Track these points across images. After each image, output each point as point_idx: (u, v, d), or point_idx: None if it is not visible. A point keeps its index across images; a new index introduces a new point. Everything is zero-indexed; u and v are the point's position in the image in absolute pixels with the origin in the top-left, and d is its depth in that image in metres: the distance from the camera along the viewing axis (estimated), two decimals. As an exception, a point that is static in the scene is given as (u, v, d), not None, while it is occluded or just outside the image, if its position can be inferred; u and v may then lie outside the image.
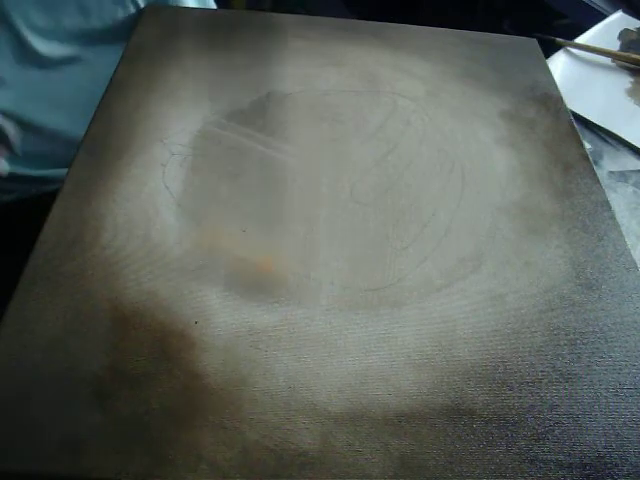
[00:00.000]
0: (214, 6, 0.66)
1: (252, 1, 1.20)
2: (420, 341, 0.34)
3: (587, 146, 0.53)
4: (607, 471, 0.29)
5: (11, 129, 0.53)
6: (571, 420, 0.31)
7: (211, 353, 0.32)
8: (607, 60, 0.68)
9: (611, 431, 0.31)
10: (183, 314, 0.34)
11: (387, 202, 0.42)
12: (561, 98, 0.53)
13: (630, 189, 0.52)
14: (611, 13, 0.76)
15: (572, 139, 0.49)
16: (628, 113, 0.61)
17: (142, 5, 0.56)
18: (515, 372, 0.33)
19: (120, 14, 0.55)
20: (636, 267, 0.39)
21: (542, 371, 0.33)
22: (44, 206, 0.38)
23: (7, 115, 0.52)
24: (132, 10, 0.56)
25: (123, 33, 0.55)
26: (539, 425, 0.31)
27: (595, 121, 0.59)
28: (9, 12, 0.49)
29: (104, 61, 0.54)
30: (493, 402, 0.32)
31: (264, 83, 0.51)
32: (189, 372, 0.31)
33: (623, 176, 0.53)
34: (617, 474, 0.29)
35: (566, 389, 0.32)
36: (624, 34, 0.72)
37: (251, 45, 0.55)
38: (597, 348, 0.34)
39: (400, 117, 0.49)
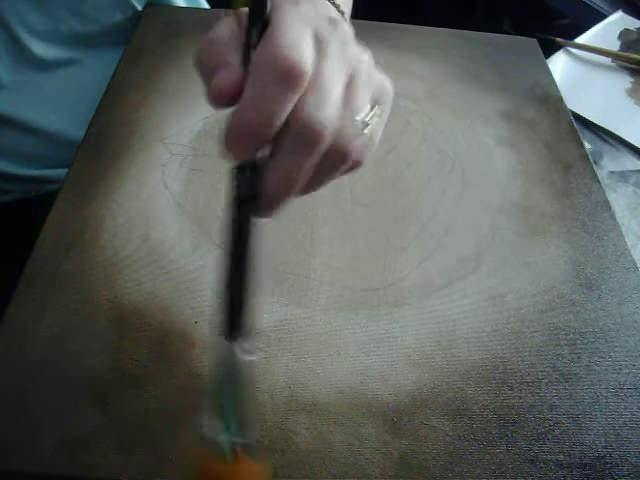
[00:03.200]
0: (206, 6, 0.66)
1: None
2: (420, 341, 0.34)
3: (587, 146, 0.53)
4: (607, 471, 0.29)
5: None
6: (571, 420, 0.31)
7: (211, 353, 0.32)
8: (607, 60, 0.68)
9: (611, 431, 0.31)
10: (183, 314, 0.34)
11: (387, 202, 0.42)
12: (561, 98, 0.53)
13: (630, 189, 0.52)
14: (611, 13, 0.76)
15: (572, 139, 0.49)
16: (628, 113, 0.61)
17: (139, 8, 0.56)
18: (515, 372, 0.33)
19: (117, 17, 0.55)
20: (636, 267, 0.39)
21: (542, 371, 0.33)
22: (44, 206, 0.38)
23: (5, 118, 0.52)
24: (129, 13, 0.56)
25: (120, 36, 0.55)
26: (539, 425, 0.31)
27: (595, 121, 0.59)
28: (5, 15, 0.49)
29: (102, 63, 0.54)
30: (493, 402, 0.32)
31: (264, 83, 0.51)
32: (189, 372, 0.31)
33: (623, 176, 0.53)
34: (617, 474, 0.29)
35: (566, 389, 0.32)
36: (624, 34, 0.72)
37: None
38: (597, 348, 0.34)
39: (400, 117, 0.49)
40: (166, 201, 0.40)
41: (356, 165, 0.24)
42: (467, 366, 0.33)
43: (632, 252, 0.40)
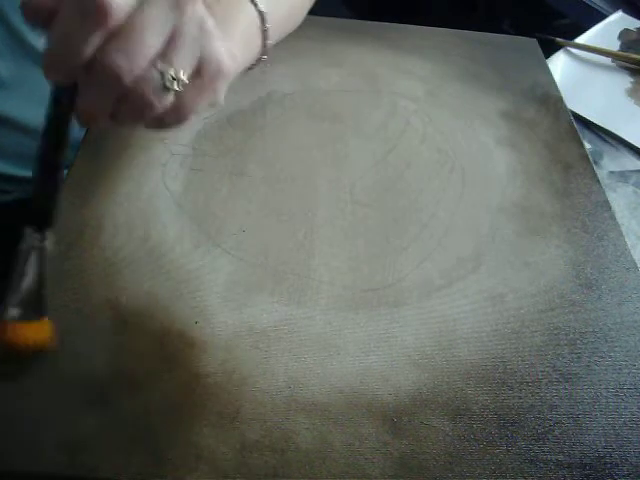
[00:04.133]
0: None
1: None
2: (420, 341, 0.34)
3: (587, 146, 0.53)
4: (607, 471, 0.29)
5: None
6: (571, 420, 0.31)
7: (211, 353, 0.32)
8: (607, 60, 0.68)
9: (611, 431, 0.31)
10: (183, 314, 0.34)
11: (387, 202, 0.42)
12: (561, 98, 0.53)
13: (630, 189, 0.52)
14: (611, 13, 0.76)
15: (572, 139, 0.49)
16: (628, 113, 0.61)
17: None
18: (515, 372, 0.33)
19: None
20: (636, 267, 0.39)
21: (542, 371, 0.33)
22: (44, 206, 0.38)
23: (5, 118, 0.52)
24: None
25: None
26: (539, 425, 0.31)
27: (595, 121, 0.59)
28: (4, 7, 0.48)
29: None
30: (493, 402, 0.32)
31: (264, 83, 0.51)
32: (189, 372, 0.31)
33: (623, 176, 0.53)
34: (617, 474, 0.29)
35: (566, 389, 0.32)
36: (624, 34, 0.72)
37: (251, 45, 0.55)
38: (597, 348, 0.34)
39: (400, 117, 0.49)
40: (166, 201, 0.40)
41: (163, 122, 0.25)
42: (467, 366, 0.33)
43: (632, 252, 0.40)
